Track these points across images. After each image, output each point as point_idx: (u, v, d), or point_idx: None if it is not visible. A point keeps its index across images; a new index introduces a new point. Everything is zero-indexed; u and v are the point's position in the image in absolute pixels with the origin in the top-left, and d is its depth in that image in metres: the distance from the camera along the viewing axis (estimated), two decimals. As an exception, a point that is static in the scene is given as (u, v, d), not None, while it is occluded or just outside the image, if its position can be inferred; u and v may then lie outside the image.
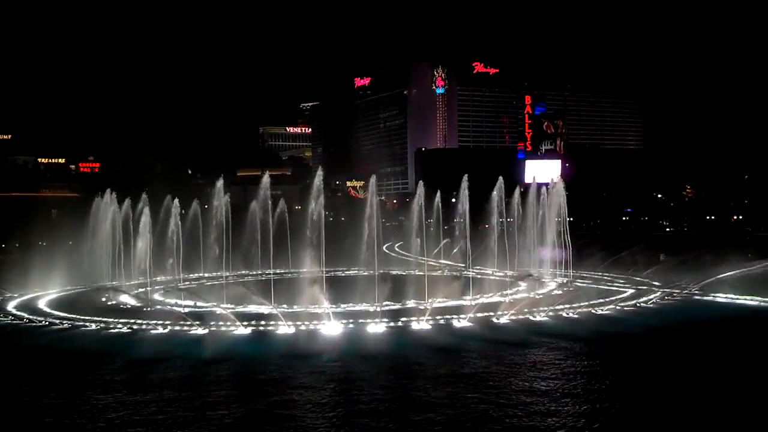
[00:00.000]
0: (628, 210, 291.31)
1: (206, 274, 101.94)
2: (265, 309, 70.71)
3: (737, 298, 76.04)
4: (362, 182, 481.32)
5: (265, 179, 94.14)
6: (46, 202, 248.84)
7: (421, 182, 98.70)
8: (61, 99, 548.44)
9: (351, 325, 64.15)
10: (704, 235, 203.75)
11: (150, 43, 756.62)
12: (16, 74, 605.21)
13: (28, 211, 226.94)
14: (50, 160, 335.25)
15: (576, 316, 68.84)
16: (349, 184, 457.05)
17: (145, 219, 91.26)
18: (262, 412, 40.94)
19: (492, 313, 68.44)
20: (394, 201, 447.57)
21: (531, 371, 48.98)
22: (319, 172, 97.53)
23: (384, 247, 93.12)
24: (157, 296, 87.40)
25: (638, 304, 75.19)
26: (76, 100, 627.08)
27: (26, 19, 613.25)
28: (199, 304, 76.66)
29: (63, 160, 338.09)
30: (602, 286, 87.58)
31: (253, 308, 71.88)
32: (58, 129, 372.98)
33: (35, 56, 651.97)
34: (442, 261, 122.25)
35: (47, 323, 69.57)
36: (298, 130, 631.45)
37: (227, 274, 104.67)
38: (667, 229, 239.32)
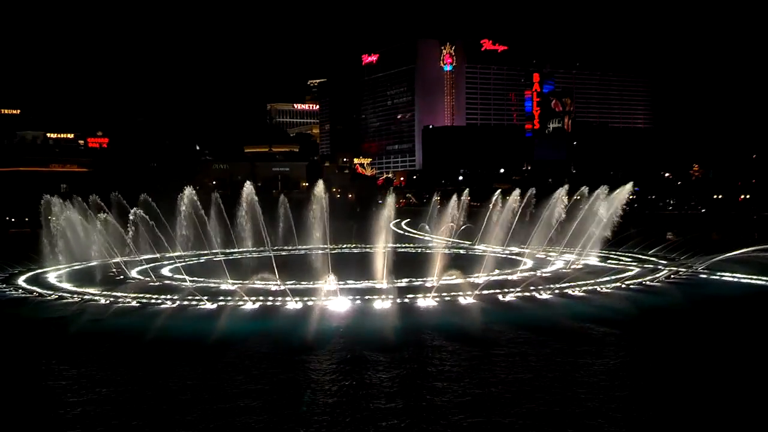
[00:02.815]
0: (636, 189, 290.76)
1: (216, 251, 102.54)
2: (272, 285, 71.14)
3: (744, 278, 76.20)
4: (369, 159, 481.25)
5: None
6: (56, 177, 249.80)
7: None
8: (70, 74, 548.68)
9: (358, 302, 64.65)
10: (712, 214, 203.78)
11: (158, 19, 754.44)
12: (24, 50, 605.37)
13: (38, 185, 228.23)
14: (59, 135, 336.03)
15: (581, 294, 69.15)
16: (356, 161, 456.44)
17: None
18: (270, 391, 41.59)
19: (498, 291, 68.83)
20: (402, 178, 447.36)
21: (535, 349, 49.41)
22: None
23: (391, 224, 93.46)
24: (165, 271, 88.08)
25: (644, 283, 75.43)
26: (84, 75, 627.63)
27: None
28: (207, 279, 77.33)
29: (72, 135, 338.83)
30: (608, 265, 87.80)
31: (260, 284, 72.21)
32: (67, 104, 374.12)
33: (44, 32, 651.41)
34: (450, 239, 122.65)
35: (57, 297, 70.29)
36: (305, 106, 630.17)
37: (235, 250, 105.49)
38: (671, 209, 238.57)
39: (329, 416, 36.64)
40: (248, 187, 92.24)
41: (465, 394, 39.76)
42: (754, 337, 52.89)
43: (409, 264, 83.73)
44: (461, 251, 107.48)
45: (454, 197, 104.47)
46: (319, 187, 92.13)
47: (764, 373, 43.66)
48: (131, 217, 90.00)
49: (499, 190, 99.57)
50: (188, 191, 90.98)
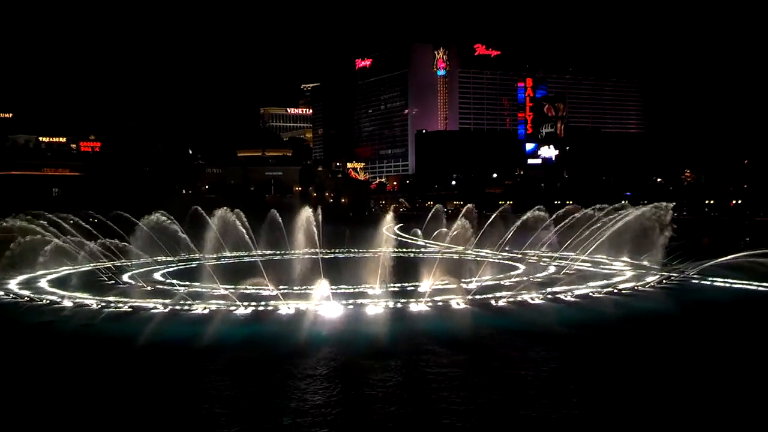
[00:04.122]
0: (628, 194, 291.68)
1: (206, 255, 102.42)
2: (264, 290, 71.04)
3: (735, 283, 76.40)
4: (363, 164, 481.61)
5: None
6: (48, 181, 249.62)
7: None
8: (63, 78, 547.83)
9: (351, 307, 64.61)
10: (703, 219, 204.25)
11: (151, 23, 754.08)
12: (17, 53, 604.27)
13: (30, 189, 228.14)
14: (51, 139, 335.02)
15: (573, 299, 69.21)
16: (349, 165, 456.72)
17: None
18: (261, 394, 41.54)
19: (490, 296, 68.85)
20: (395, 183, 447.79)
21: (525, 354, 49.41)
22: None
23: (384, 229, 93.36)
24: (156, 276, 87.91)
25: (636, 288, 75.56)
26: (77, 79, 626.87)
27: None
28: (198, 284, 77.14)
29: (64, 139, 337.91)
30: (601, 269, 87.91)
31: (252, 289, 72.09)
32: (60, 108, 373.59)
33: (36, 35, 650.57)
34: (442, 243, 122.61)
35: (48, 302, 69.98)
36: (298, 111, 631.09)
37: (226, 254, 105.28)
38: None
39: (316, 424, 36.56)
40: (221, 213, 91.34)
41: (455, 400, 39.72)
42: (743, 343, 52.96)
43: (402, 269, 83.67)
44: (454, 256, 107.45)
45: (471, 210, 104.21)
46: (307, 211, 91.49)
47: (749, 378, 43.75)
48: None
49: (508, 202, 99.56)
50: (154, 216, 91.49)
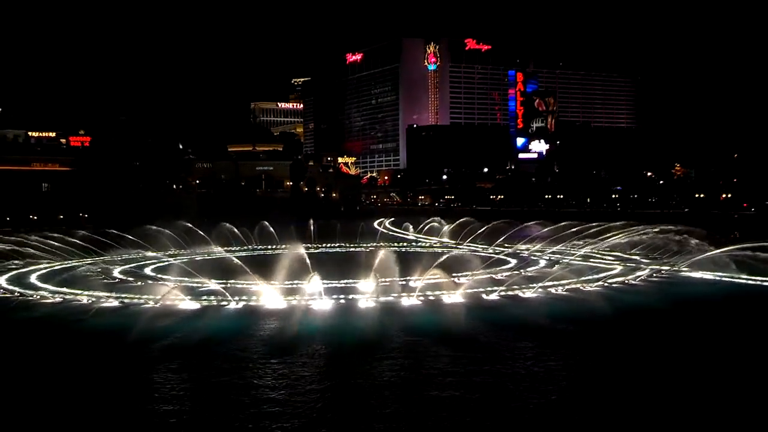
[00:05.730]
0: (618, 188, 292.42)
1: (197, 250, 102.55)
2: (255, 285, 70.88)
3: (724, 277, 76.80)
4: (354, 158, 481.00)
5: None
6: (37, 176, 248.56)
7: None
8: (52, 72, 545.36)
9: (342, 301, 64.64)
10: (693, 213, 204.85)
11: (141, 18, 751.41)
12: (6, 47, 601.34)
13: (19, 184, 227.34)
14: (41, 134, 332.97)
15: (565, 292, 69.42)
16: (340, 160, 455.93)
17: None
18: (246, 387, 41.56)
19: (482, 290, 68.97)
20: (386, 177, 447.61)
21: (514, 347, 49.54)
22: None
23: (375, 224, 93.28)
24: (148, 271, 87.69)
25: (626, 281, 75.81)
26: (66, 73, 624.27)
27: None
28: (189, 279, 76.97)
29: (53, 134, 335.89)
30: (591, 263, 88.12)
31: (242, 284, 71.94)
32: (49, 102, 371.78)
33: (25, 29, 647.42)
34: (433, 238, 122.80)
35: (38, 297, 69.73)
36: (289, 105, 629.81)
37: (218, 249, 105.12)
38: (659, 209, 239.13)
39: (307, 418, 36.61)
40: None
41: (444, 394, 39.84)
42: (729, 337, 53.22)
43: (393, 263, 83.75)
44: (446, 250, 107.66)
45: None
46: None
47: (732, 372, 44.00)
48: None
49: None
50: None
